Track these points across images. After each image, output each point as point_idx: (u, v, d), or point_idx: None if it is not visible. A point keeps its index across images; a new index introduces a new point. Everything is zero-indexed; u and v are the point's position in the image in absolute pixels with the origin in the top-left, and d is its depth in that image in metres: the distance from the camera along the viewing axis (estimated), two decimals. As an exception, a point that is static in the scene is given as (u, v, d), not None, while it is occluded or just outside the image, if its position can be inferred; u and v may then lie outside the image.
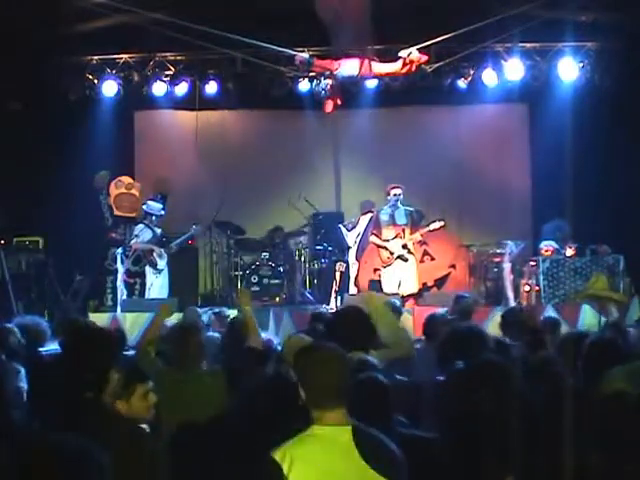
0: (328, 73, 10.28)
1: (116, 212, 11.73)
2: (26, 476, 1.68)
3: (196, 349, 4.49)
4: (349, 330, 4.32)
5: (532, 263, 10.44)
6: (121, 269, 10.75)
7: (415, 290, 10.38)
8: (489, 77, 11.66)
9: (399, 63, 10.17)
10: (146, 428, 3.31)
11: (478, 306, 5.78)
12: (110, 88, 11.80)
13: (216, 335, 5.90)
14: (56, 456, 1.70)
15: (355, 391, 2.97)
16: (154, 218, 10.75)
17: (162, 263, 10.62)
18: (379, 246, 10.51)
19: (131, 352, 5.15)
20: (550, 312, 8.89)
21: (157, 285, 10.61)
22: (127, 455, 2.75)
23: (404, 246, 10.38)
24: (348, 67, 10.16)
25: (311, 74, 10.94)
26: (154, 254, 10.55)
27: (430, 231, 10.53)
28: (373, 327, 4.45)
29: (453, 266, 12.00)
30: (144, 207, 10.91)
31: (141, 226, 10.74)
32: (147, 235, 10.65)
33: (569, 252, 10.49)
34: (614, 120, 11.33)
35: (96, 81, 11.83)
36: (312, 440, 2.74)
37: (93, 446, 1.74)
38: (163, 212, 10.91)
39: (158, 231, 10.76)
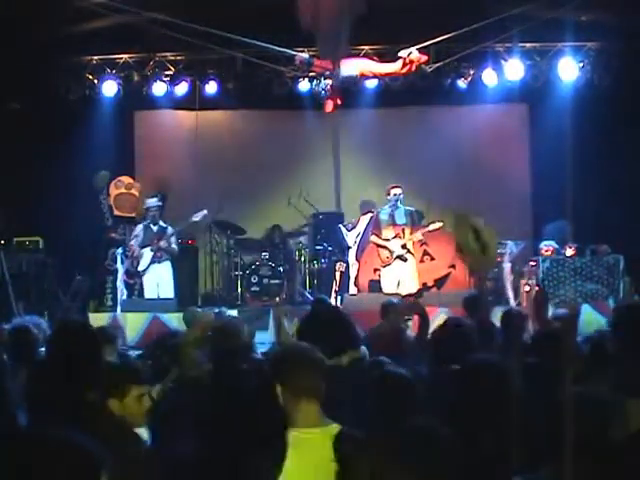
0: (328, 73, 10.29)
1: (116, 212, 11.75)
2: (26, 475, 1.68)
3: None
4: (325, 332, 4.04)
5: (532, 263, 10.44)
6: (121, 269, 10.73)
7: (414, 290, 10.38)
8: (489, 77, 11.67)
9: (399, 63, 10.18)
10: (141, 432, 3.29)
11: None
12: (110, 88, 11.81)
13: None
14: (55, 453, 1.70)
15: (376, 386, 3.00)
16: (151, 213, 10.64)
17: (142, 264, 10.51)
18: (379, 246, 10.51)
19: (131, 352, 5.12)
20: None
21: (149, 285, 10.55)
22: (117, 456, 2.74)
23: (403, 246, 10.37)
24: (348, 67, 10.18)
25: (311, 74, 10.95)
26: (134, 255, 10.48)
27: (430, 231, 10.53)
28: (349, 326, 4.29)
29: (453, 266, 12.00)
30: (144, 206, 10.90)
31: (140, 226, 10.71)
32: (141, 234, 10.58)
33: (569, 252, 10.49)
34: (614, 120, 11.34)
35: (96, 81, 11.84)
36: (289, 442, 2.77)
37: (94, 444, 1.74)
38: (160, 203, 10.82)
39: (155, 228, 10.65)
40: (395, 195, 10.42)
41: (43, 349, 5.00)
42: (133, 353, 6.00)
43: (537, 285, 10.19)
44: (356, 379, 3.55)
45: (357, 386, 3.43)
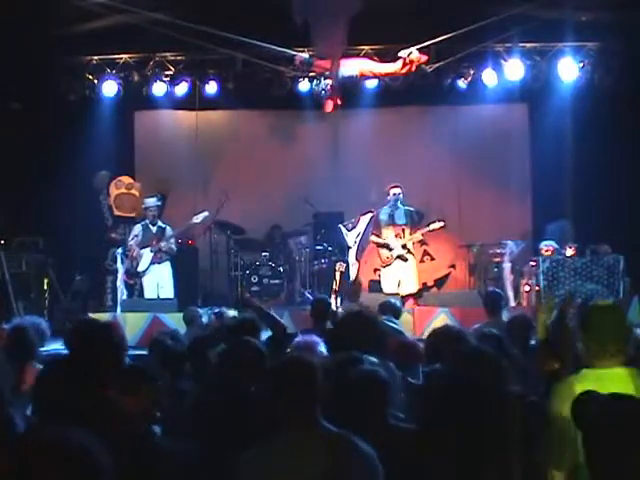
0: (328, 73, 10.29)
1: (116, 212, 11.75)
2: (26, 474, 1.67)
3: None
4: (356, 333, 4.15)
5: (532, 263, 10.43)
6: (121, 269, 10.72)
7: (414, 290, 10.39)
8: (489, 77, 11.65)
9: (399, 63, 10.19)
10: (155, 428, 3.31)
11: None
12: (110, 88, 11.80)
13: None
14: (56, 453, 1.69)
15: (351, 385, 3.06)
16: (150, 213, 10.64)
17: (142, 264, 10.51)
18: (379, 245, 10.52)
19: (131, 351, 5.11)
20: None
21: (149, 285, 10.55)
22: (131, 455, 2.74)
23: (404, 246, 10.38)
24: (348, 67, 10.18)
25: (311, 74, 10.95)
26: (134, 255, 10.49)
27: (430, 231, 10.54)
28: (381, 331, 4.36)
29: (453, 266, 12.03)
30: (142, 206, 10.91)
31: (139, 226, 10.71)
32: (140, 235, 10.58)
33: (569, 252, 10.49)
34: (614, 120, 11.33)
35: (96, 81, 11.83)
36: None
37: (94, 443, 1.73)
38: (159, 202, 10.83)
39: (154, 228, 10.66)
40: (395, 195, 10.44)
41: (43, 349, 5.01)
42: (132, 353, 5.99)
43: (537, 285, 10.19)
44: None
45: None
